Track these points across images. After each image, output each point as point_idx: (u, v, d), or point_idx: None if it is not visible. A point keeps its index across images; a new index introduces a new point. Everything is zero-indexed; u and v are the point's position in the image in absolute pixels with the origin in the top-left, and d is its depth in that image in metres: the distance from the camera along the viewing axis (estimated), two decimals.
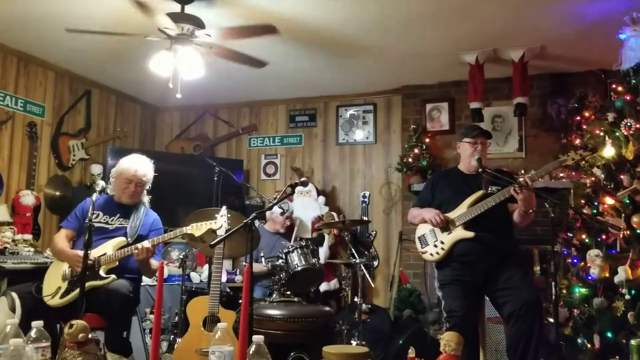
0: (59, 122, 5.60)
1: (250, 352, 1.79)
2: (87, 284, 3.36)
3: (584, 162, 3.96)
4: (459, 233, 3.50)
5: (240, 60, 4.43)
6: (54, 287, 3.50)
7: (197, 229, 3.52)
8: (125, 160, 3.82)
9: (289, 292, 4.02)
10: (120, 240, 3.64)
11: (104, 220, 3.72)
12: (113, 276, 3.47)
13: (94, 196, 3.31)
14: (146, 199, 3.94)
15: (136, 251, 3.48)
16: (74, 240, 3.81)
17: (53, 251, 3.83)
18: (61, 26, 4.32)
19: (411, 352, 1.88)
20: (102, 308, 3.42)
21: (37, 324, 1.97)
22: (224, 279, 4.80)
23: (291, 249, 4.20)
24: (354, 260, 4.25)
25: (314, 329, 3.60)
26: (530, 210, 3.40)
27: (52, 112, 5.53)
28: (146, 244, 3.50)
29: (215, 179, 5.08)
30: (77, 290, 3.39)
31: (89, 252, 3.19)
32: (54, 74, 5.54)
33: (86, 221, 3.20)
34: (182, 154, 6.63)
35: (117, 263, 3.54)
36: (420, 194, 4.02)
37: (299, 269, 4.10)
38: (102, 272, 3.47)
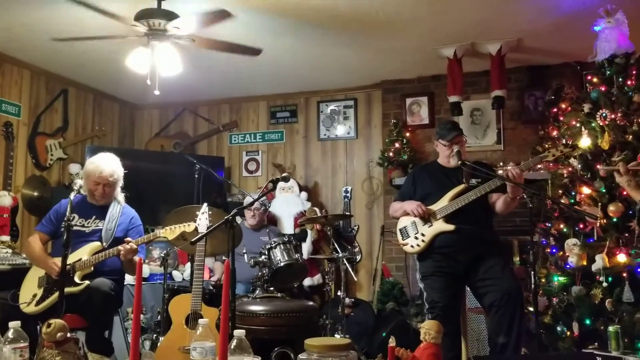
0: (36, 121, 5.54)
1: (232, 346, 1.79)
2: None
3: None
4: (440, 226, 3.53)
5: (231, 49, 4.32)
6: (29, 294, 3.46)
7: (170, 232, 3.49)
8: (90, 162, 3.72)
9: (272, 288, 4.02)
10: (95, 245, 3.59)
11: (80, 223, 3.65)
12: (87, 282, 3.43)
13: (72, 195, 3.26)
14: (121, 196, 3.84)
15: (122, 252, 3.44)
16: (53, 243, 3.76)
17: (29, 257, 3.75)
18: (37, 26, 4.27)
19: (392, 342, 1.89)
20: (83, 307, 3.39)
21: (14, 324, 1.94)
22: (206, 276, 4.79)
23: (274, 245, 4.19)
24: (337, 255, 4.26)
25: (298, 323, 3.60)
26: (518, 197, 3.43)
27: (28, 111, 5.46)
28: (131, 245, 3.46)
29: (196, 176, 5.06)
30: (52, 297, 3.39)
31: (67, 253, 3.14)
32: (29, 73, 5.47)
33: (64, 222, 3.15)
34: (162, 151, 6.58)
35: (92, 269, 3.50)
36: (401, 188, 4.04)
37: (282, 264, 4.10)
38: (76, 279, 3.43)
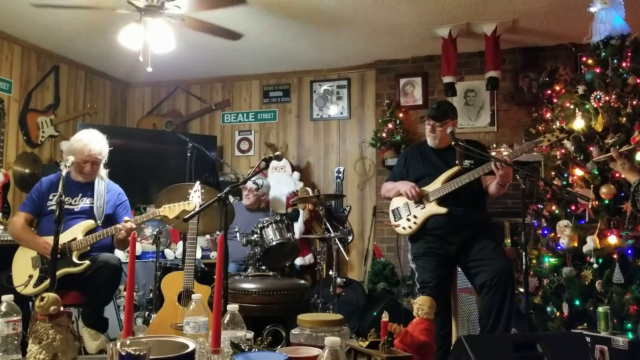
0: (27, 98, 5.48)
1: (225, 321, 1.80)
2: (61, 271, 3.34)
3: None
4: (432, 208, 3.53)
5: (214, 32, 4.35)
6: (24, 275, 3.42)
7: (170, 210, 3.46)
8: (77, 140, 3.64)
9: (264, 267, 4.03)
10: (89, 223, 3.56)
11: (67, 201, 3.58)
12: (87, 262, 3.41)
13: (64, 171, 3.22)
14: (104, 172, 3.79)
15: (122, 232, 3.43)
16: (38, 222, 3.70)
17: (16, 238, 3.65)
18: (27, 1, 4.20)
19: (385, 317, 1.91)
20: (88, 282, 3.38)
21: (7, 298, 1.94)
22: (198, 255, 4.79)
23: (266, 224, 4.19)
24: (329, 234, 4.27)
25: (289, 301, 3.61)
26: (508, 183, 3.45)
27: (19, 88, 5.40)
28: (130, 224, 3.45)
29: (189, 155, 5.04)
30: None
31: (59, 229, 3.11)
32: (20, 49, 5.40)
33: (56, 198, 3.12)
34: (154, 130, 6.54)
35: (88, 248, 3.49)
36: (393, 169, 4.03)
37: (274, 243, 4.10)
38: (75, 258, 3.42)
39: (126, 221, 3.48)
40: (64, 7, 4.12)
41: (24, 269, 3.47)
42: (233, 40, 4.52)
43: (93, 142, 3.62)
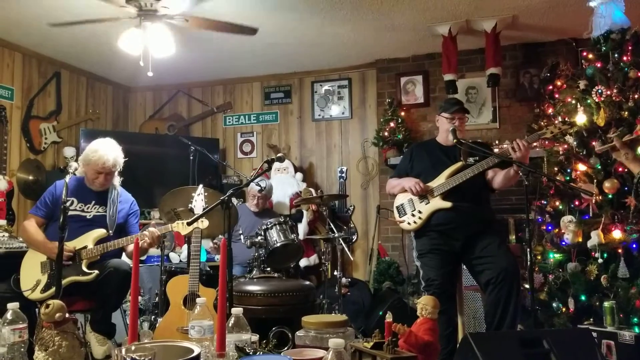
0: (29, 105, 5.50)
1: (230, 324, 1.80)
2: (70, 279, 3.34)
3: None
4: (437, 203, 3.54)
5: (228, 29, 4.21)
6: (32, 280, 3.40)
7: (183, 227, 3.43)
8: (93, 151, 3.59)
9: (268, 269, 4.03)
10: (101, 232, 3.54)
11: (80, 207, 3.58)
12: (96, 272, 3.39)
13: (68, 177, 3.21)
14: (117, 180, 3.77)
15: (149, 240, 3.43)
16: (45, 227, 3.68)
17: (27, 242, 3.65)
18: (28, 9, 4.21)
19: (388, 317, 1.92)
20: (98, 287, 3.38)
21: (12, 306, 1.95)
22: (203, 258, 4.80)
23: (270, 226, 4.20)
24: (333, 234, 4.27)
25: (295, 303, 3.62)
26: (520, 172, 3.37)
27: (21, 95, 5.42)
28: (153, 230, 3.46)
29: (191, 158, 5.04)
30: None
31: (63, 236, 3.10)
32: (21, 56, 5.42)
33: (60, 203, 3.11)
34: (157, 134, 6.55)
35: (98, 257, 3.47)
36: (398, 165, 4.05)
37: (278, 245, 4.11)
38: (84, 267, 3.41)
39: (150, 227, 3.48)
40: (75, 24, 4.11)
41: (32, 273, 3.45)
42: (250, 35, 4.30)
43: (108, 153, 3.58)
